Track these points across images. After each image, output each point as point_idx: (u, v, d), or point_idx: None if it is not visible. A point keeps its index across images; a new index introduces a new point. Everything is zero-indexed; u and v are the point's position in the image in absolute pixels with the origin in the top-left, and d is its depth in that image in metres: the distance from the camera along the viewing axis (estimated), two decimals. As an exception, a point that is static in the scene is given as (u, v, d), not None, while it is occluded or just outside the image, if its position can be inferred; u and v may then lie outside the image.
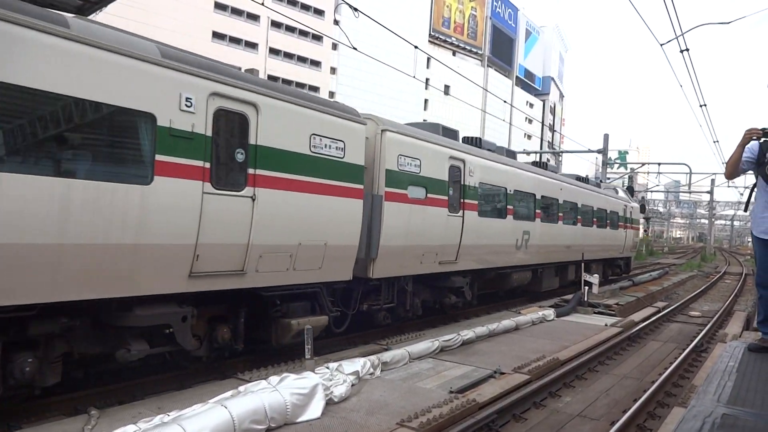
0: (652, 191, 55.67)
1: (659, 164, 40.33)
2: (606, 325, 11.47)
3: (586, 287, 13.95)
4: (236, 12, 46.69)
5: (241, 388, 5.41)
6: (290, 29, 49.08)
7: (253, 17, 47.38)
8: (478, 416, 5.62)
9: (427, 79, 55.16)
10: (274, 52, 49.38)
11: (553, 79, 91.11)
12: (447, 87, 57.61)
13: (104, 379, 6.37)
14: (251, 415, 4.81)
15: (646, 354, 9.88)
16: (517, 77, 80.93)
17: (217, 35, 45.64)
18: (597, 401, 6.93)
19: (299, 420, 5.19)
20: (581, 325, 11.49)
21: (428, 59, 52.24)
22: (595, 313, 13.16)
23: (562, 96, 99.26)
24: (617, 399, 7.06)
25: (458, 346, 8.59)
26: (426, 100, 63.19)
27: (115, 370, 6.40)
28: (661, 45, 10.96)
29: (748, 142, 5.16)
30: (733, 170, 5.37)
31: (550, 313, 11.95)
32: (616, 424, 5.79)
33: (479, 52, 73.16)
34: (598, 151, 30.87)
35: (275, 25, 48.31)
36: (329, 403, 5.58)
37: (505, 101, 30.39)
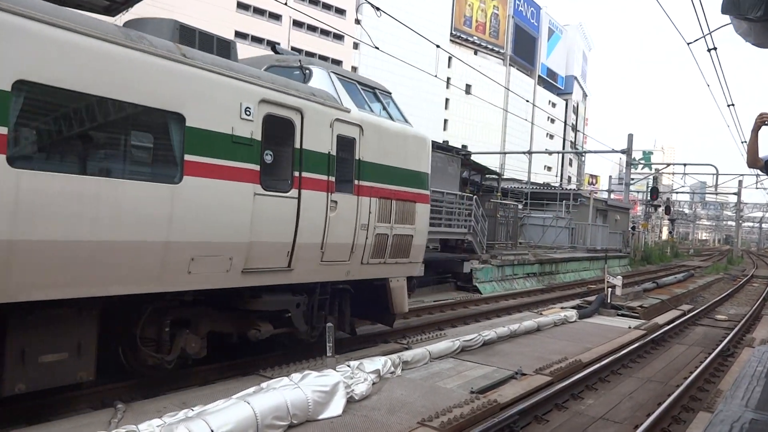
0: (677, 192, 54.75)
1: (685, 165, 39.69)
2: (629, 327, 11.33)
3: (610, 289, 13.79)
4: (258, 11, 47.04)
5: (264, 385, 5.47)
6: (312, 28, 49.30)
7: (275, 17, 47.69)
8: (500, 417, 5.60)
9: (448, 79, 54.89)
10: (295, 51, 49.70)
11: (576, 78, 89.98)
12: (468, 86, 57.25)
13: (131, 375, 6.48)
14: (273, 412, 4.86)
15: (671, 357, 9.73)
16: (539, 76, 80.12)
17: (240, 34, 46.00)
18: (620, 404, 6.85)
19: (321, 417, 5.23)
20: (604, 327, 11.35)
21: (449, 58, 52.06)
22: (618, 315, 13.01)
23: (585, 95, 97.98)
24: (641, 402, 6.97)
25: (479, 346, 8.56)
26: (447, 100, 62.93)
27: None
28: (688, 44, 10.74)
29: (760, 128, 5.15)
30: (752, 158, 5.36)
31: (572, 314, 11.84)
32: (640, 427, 5.73)
33: (501, 51, 72.59)
34: (622, 152, 30.50)
35: (297, 24, 48.56)
36: (350, 401, 5.61)
37: (527, 101, 30.18)
